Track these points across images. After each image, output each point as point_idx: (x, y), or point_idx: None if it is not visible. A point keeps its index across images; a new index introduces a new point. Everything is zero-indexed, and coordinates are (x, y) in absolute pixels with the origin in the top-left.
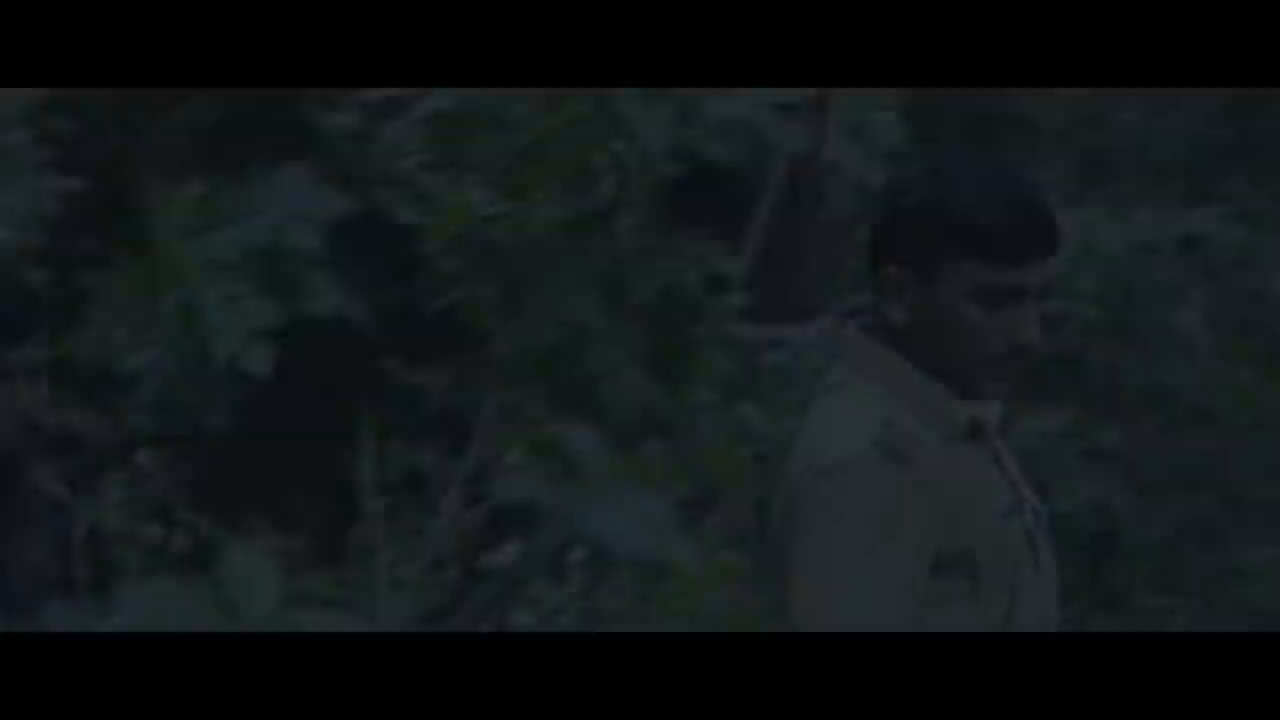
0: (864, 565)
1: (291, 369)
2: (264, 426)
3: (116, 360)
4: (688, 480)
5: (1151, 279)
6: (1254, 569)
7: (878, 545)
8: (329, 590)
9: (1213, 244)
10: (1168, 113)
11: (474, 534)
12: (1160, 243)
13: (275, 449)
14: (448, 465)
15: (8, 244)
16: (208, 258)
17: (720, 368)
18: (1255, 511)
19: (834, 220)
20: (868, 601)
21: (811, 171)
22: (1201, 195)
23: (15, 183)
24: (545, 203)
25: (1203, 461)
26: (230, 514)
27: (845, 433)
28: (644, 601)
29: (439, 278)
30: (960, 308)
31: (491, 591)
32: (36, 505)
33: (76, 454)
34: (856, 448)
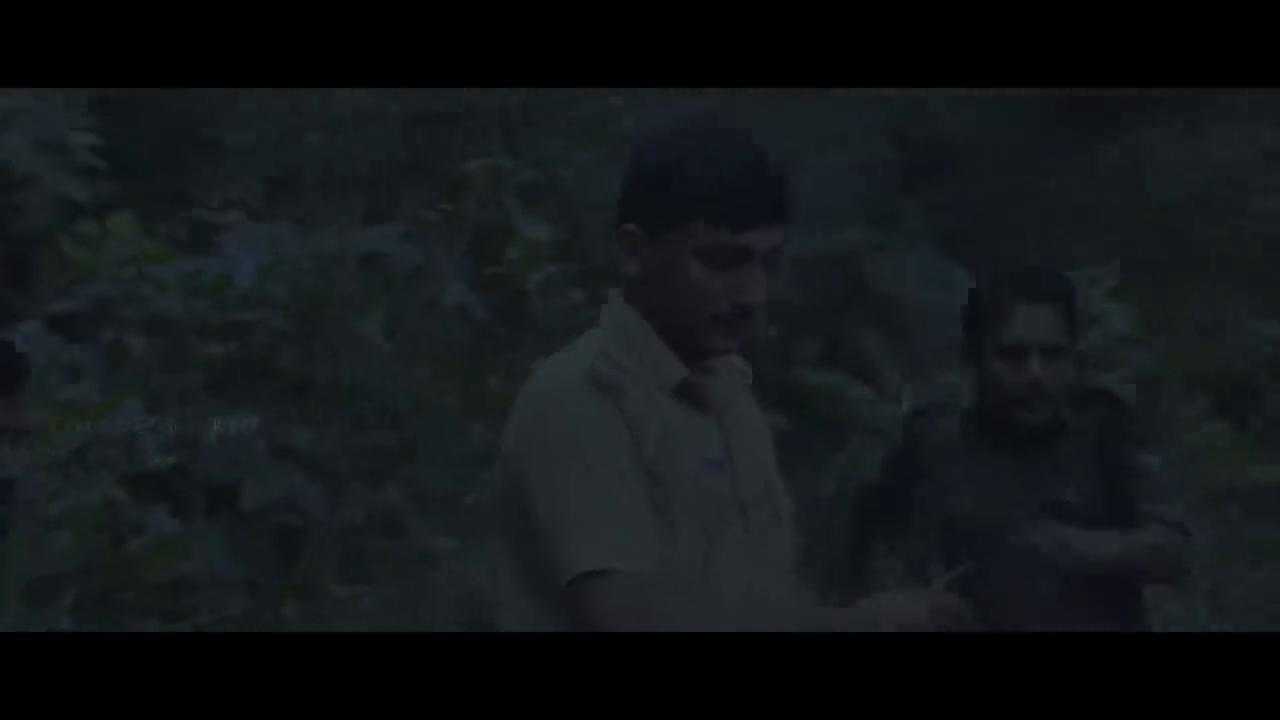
0: (586, 485)
1: None
2: None
3: None
4: None
5: (336, 289)
6: (436, 556)
7: (592, 467)
8: None
9: (391, 259)
10: (352, 133)
11: None
12: (344, 256)
13: None
14: None
15: None
16: None
17: None
18: (436, 502)
19: (33, 229)
20: (607, 518)
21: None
22: (380, 213)
23: None
24: None
25: (385, 457)
26: None
27: (559, 370)
28: None
29: None
30: (685, 266)
31: None
32: None
33: None
34: (572, 375)
